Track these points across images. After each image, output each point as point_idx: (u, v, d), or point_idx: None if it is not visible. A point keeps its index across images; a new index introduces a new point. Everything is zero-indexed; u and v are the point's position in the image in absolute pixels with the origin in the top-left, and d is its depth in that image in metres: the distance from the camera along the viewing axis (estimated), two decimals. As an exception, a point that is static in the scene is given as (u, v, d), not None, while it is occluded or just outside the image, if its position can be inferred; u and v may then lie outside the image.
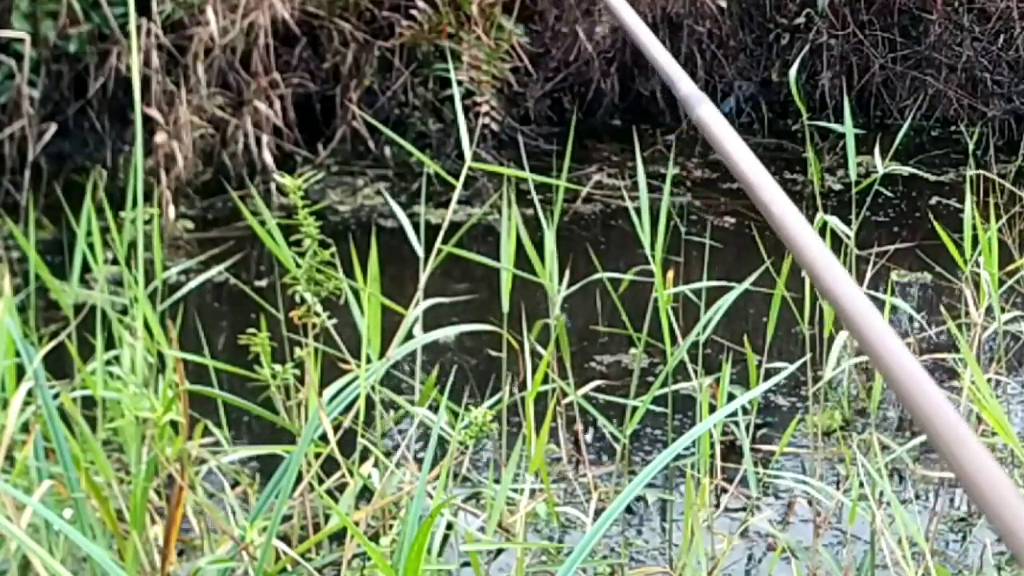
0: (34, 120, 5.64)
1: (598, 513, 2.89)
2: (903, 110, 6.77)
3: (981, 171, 4.88)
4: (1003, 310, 3.83)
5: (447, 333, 3.34)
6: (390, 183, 6.00)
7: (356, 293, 2.85)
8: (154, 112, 5.58)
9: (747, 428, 3.18)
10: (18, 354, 2.58)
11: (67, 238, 3.28)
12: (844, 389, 3.93)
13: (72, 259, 3.03)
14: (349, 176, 6.06)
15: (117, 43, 5.82)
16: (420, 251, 2.86)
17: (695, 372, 3.22)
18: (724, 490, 3.21)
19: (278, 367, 2.75)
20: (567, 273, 3.23)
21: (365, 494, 2.89)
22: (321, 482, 2.77)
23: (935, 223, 3.97)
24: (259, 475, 3.22)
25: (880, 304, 3.66)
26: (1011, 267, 3.92)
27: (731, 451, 3.43)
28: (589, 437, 3.70)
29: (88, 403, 2.76)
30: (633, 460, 3.56)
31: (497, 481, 2.79)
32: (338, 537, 2.83)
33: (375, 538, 2.75)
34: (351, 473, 2.77)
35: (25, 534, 2.19)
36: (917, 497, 3.45)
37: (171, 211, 5.25)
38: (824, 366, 3.55)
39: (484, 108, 6.13)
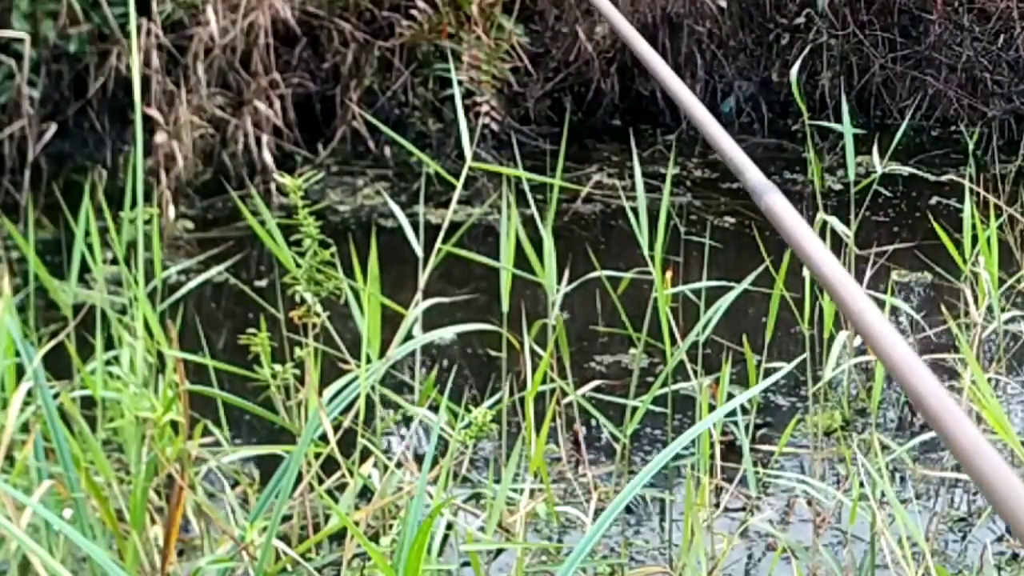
0: (34, 120, 5.64)
1: (598, 513, 2.89)
2: (903, 110, 6.77)
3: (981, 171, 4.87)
4: (1003, 310, 3.83)
5: (447, 333, 3.34)
6: (390, 183, 5.99)
7: (356, 293, 2.85)
8: (154, 112, 5.58)
9: (747, 428, 3.18)
10: (18, 354, 2.58)
11: (66, 238, 3.27)
12: (844, 389, 3.93)
13: (71, 259, 3.03)
14: (349, 176, 6.06)
15: (117, 43, 5.82)
16: (419, 251, 2.86)
17: (695, 372, 3.22)
18: (724, 490, 3.21)
19: (278, 367, 2.75)
20: (567, 273, 3.23)
21: (365, 494, 2.89)
22: (321, 482, 2.77)
23: (935, 223, 3.97)
24: (259, 475, 3.22)
25: (880, 304, 3.66)
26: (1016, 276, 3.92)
27: (731, 451, 3.43)
28: (589, 437, 3.70)
29: (88, 403, 2.76)
30: (633, 460, 3.56)
31: (497, 481, 2.79)
32: (338, 537, 2.83)
33: (375, 538, 2.75)
34: (351, 473, 2.77)
35: (25, 534, 2.19)
36: (917, 497, 3.45)
37: (171, 211, 5.25)
38: (824, 366, 3.54)
39: (484, 108, 6.13)
